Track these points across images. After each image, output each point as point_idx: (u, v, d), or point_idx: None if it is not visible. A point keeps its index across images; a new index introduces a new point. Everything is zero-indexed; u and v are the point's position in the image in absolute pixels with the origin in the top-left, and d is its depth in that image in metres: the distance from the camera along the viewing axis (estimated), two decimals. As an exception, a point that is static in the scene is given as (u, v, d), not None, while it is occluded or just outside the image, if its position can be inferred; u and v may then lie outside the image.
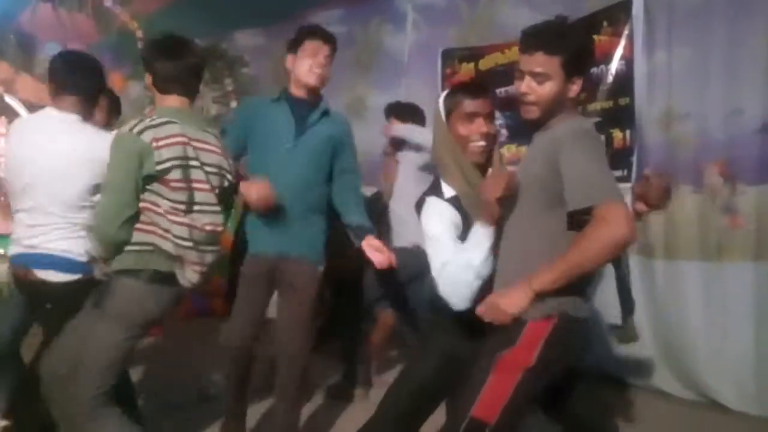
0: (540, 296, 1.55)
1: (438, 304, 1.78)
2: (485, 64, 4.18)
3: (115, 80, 5.31)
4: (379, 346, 3.57)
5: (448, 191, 1.81)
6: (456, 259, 1.69)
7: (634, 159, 3.52)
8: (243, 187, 2.30)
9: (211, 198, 1.98)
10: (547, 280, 1.53)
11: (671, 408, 3.34)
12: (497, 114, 4.12)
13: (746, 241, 3.21)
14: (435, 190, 1.84)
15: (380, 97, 5.02)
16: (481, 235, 1.68)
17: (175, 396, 3.19)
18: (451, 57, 4.41)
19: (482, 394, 1.56)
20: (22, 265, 2.10)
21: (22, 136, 2.15)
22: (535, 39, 1.63)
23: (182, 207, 1.90)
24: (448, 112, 1.83)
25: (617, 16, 3.58)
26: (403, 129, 3.37)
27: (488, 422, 1.55)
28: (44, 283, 2.08)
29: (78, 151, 2.09)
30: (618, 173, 3.60)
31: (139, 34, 4.96)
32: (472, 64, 4.25)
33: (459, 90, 1.85)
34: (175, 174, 1.88)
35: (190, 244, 1.91)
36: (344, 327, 3.53)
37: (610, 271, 3.14)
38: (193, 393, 3.22)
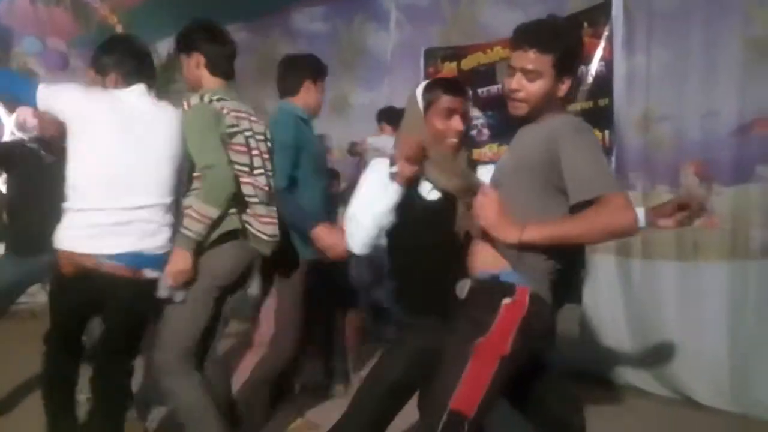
0: (525, 245, 1.54)
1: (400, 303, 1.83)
2: (468, 63, 4.20)
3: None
4: (354, 343, 3.58)
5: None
6: (364, 207, 1.84)
7: (613, 160, 3.57)
8: (321, 233, 2.40)
9: (266, 162, 2.24)
10: (540, 235, 1.53)
11: (646, 404, 3.38)
12: (479, 113, 4.17)
13: (721, 241, 3.27)
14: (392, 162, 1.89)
15: (363, 96, 5.02)
16: (392, 189, 1.81)
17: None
18: (433, 56, 4.42)
19: (461, 385, 1.54)
20: (133, 265, 2.02)
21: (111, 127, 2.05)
22: (529, 36, 1.63)
23: (246, 169, 2.13)
24: (427, 105, 1.85)
25: (597, 17, 3.61)
26: (382, 141, 3.38)
27: (467, 415, 1.54)
28: (135, 282, 2.03)
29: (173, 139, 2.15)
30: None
31: (119, 28, 4.89)
32: (454, 64, 4.26)
33: (439, 85, 1.87)
34: (239, 139, 2.13)
35: (256, 200, 2.14)
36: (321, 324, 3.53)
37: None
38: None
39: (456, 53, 4.29)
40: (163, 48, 5.14)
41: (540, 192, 1.61)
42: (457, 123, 1.83)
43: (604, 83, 3.60)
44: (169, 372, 2.07)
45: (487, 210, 1.60)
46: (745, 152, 3.22)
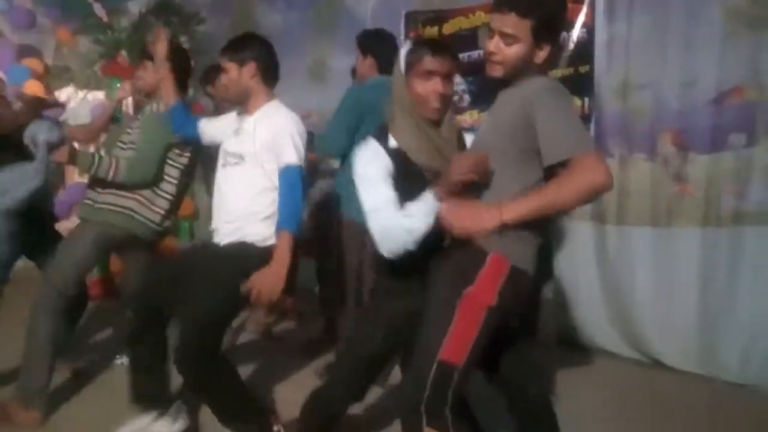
0: (505, 227, 1.53)
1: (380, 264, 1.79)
2: (449, 28, 4.14)
3: (63, 35, 5.05)
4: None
5: (392, 142, 1.80)
6: (399, 221, 1.67)
7: (592, 127, 3.58)
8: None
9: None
10: (518, 212, 1.52)
11: (617, 367, 3.48)
12: (460, 80, 4.14)
13: (695, 208, 3.32)
14: (380, 136, 1.82)
15: (342, 60, 4.91)
16: (431, 206, 1.65)
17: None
18: (414, 20, 4.35)
19: (449, 336, 1.55)
20: None
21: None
22: (509, 0, 1.61)
23: None
24: (408, 67, 1.80)
25: (580, -18, 3.58)
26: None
27: (457, 364, 1.55)
28: None
29: None
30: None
31: (88, -15, 4.70)
32: (435, 28, 4.20)
33: (422, 46, 1.82)
34: None
35: None
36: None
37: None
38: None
39: (437, 17, 4.23)
40: (134, 7, 4.97)
41: (518, 156, 1.61)
42: (436, 85, 1.76)
43: (585, 50, 3.59)
44: None
45: (455, 218, 1.56)
46: (720, 121, 3.25)
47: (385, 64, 3.00)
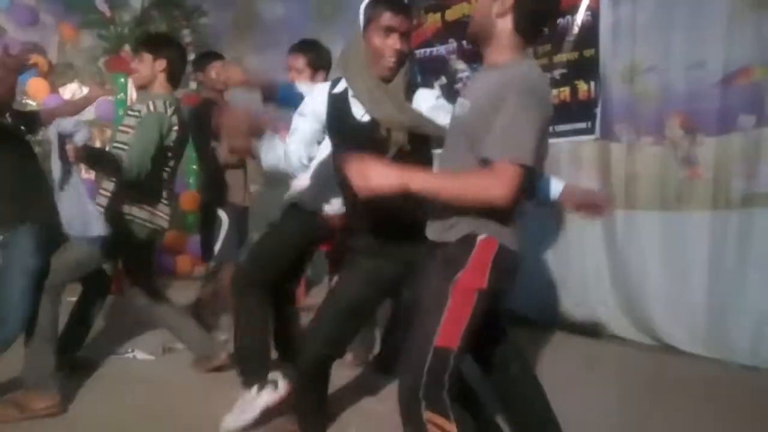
0: (406, 190, 1.51)
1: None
2: (452, 14, 4.11)
3: (66, 31, 5.05)
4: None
5: (339, 87, 1.90)
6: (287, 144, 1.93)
7: (598, 111, 3.55)
8: None
9: None
10: (417, 184, 1.51)
11: (627, 351, 3.48)
12: (464, 66, 4.11)
13: (704, 191, 3.30)
14: (333, 83, 1.95)
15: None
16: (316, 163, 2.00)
17: (144, 351, 3.22)
18: (416, 7, 4.31)
19: (443, 322, 1.57)
20: None
21: None
22: None
23: None
24: (367, 21, 1.82)
25: (584, -35, 3.55)
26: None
27: (452, 348, 1.57)
28: None
29: None
30: (582, 125, 3.65)
31: (90, -19, 4.70)
32: (438, 15, 4.18)
33: (382, 1, 1.83)
34: None
35: None
36: None
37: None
38: (159, 348, 3.23)
39: (440, 4, 4.21)
40: (136, 2, 4.96)
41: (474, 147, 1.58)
42: (395, 41, 1.79)
43: (590, 33, 3.56)
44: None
45: (356, 175, 1.53)
46: (728, 102, 3.22)
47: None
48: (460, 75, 4.15)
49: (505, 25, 1.60)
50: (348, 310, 1.95)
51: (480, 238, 1.59)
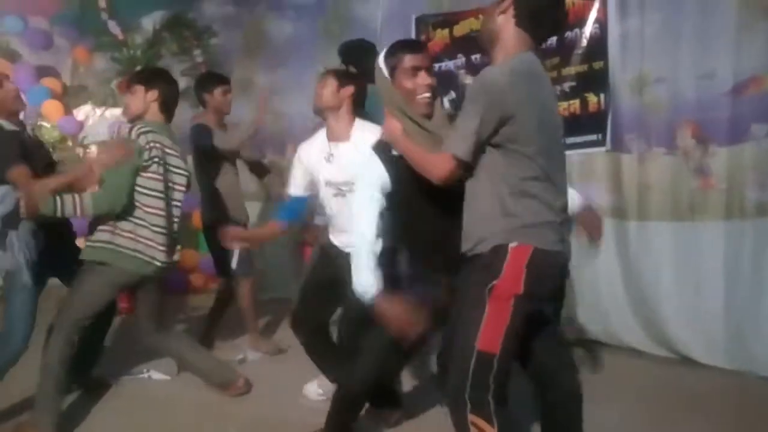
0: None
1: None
2: (460, 30, 4.14)
3: (79, 54, 5.13)
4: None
5: (394, 151, 1.91)
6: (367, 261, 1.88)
7: (609, 122, 3.55)
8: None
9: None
10: (399, 143, 1.83)
11: (643, 364, 3.44)
12: (471, 80, 4.12)
13: (717, 201, 3.28)
14: (378, 148, 1.94)
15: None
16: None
17: (159, 370, 3.22)
18: (425, 23, 4.35)
19: (483, 327, 1.63)
20: None
21: None
22: None
23: None
24: (392, 69, 1.89)
25: (591, -22, 3.57)
26: None
27: (494, 352, 1.63)
28: None
29: None
30: (593, 137, 3.65)
31: (103, 4, 4.77)
32: (446, 30, 4.20)
33: (399, 47, 1.92)
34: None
35: None
36: None
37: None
38: (174, 367, 3.22)
39: (447, 20, 4.23)
40: (148, 23, 5.04)
41: (490, 150, 1.68)
42: (424, 78, 1.87)
43: (598, 46, 3.57)
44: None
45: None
46: (739, 112, 3.22)
47: (371, 74, 3.01)
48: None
49: (507, 22, 1.70)
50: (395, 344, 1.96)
51: (511, 246, 1.64)
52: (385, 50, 1.94)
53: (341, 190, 2.40)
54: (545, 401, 1.92)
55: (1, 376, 2.52)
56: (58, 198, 2.40)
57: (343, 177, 2.37)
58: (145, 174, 2.54)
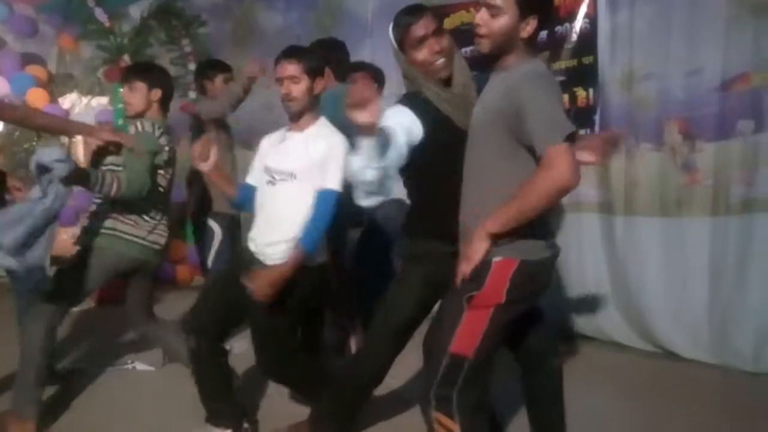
0: (497, 237, 1.60)
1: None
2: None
3: (65, 42, 5.07)
4: None
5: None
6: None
7: (597, 117, 3.56)
8: None
9: None
10: (498, 224, 1.59)
11: (628, 358, 3.46)
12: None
13: (704, 197, 3.30)
14: (409, 99, 1.88)
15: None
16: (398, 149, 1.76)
17: (144, 362, 3.21)
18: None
19: (458, 331, 1.63)
20: None
21: None
22: None
23: None
24: (400, 44, 1.87)
25: (581, -28, 3.57)
26: None
27: (467, 356, 1.62)
28: None
29: None
30: (581, 132, 3.64)
31: (90, -9, 4.71)
32: (437, 23, 4.19)
33: (400, 18, 1.88)
34: None
35: None
36: None
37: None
38: (159, 358, 3.20)
39: (438, 12, 4.17)
40: (135, 11, 4.98)
41: (512, 146, 1.63)
42: (432, 47, 1.83)
43: (588, 40, 3.57)
44: None
45: (466, 265, 1.65)
46: (727, 108, 3.22)
47: (342, 71, 3.01)
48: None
49: (524, 33, 1.67)
50: (400, 325, 2.00)
51: (495, 260, 1.63)
52: (391, 24, 1.91)
53: (274, 178, 2.24)
54: (530, 383, 1.98)
55: None
56: (100, 174, 2.38)
57: (282, 165, 2.23)
58: (159, 171, 2.60)
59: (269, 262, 2.20)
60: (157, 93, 2.63)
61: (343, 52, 3.34)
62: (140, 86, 2.61)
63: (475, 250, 1.62)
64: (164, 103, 2.68)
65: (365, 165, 1.67)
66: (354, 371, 2.17)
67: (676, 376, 3.18)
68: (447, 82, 1.87)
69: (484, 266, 1.63)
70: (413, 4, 1.95)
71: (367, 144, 1.65)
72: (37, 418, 2.43)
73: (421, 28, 1.83)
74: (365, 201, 1.76)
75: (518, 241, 1.62)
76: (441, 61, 1.83)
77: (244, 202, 2.40)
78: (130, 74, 2.71)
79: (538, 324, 1.96)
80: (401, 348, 2.05)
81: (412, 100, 1.88)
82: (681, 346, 3.38)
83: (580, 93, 3.61)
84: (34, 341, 2.43)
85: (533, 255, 1.66)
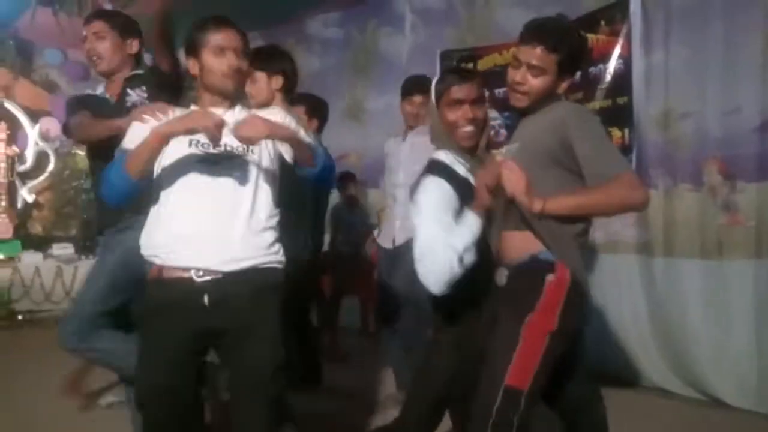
0: (543, 215, 1.61)
1: (438, 300, 1.77)
2: (483, 64, 4.19)
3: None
4: None
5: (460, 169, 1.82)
6: (444, 238, 1.66)
7: (633, 158, 3.53)
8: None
9: None
10: (559, 206, 1.60)
11: (672, 405, 3.34)
12: (496, 114, 4.15)
13: (746, 239, 3.21)
14: (436, 168, 1.81)
15: (378, 101, 5.03)
16: (471, 220, 1.68)
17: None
18: (449, 58, 4.42)
19: (514, 362, 1.60)
20: None
21: None
22: (538, 34, 1.72)
23: None
24: (438, 98, 1.88)
25: (614, 15, 3.61)
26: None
27: (522, 388, 1.59)
28: None
29: None
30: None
31: (139, 37, 4.95)
32: (470, 65, 4.26)
33: (447, 76, 1.91)
34: None
35: None
36: None
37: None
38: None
39: (471, 55, 4.30)
40: (181, 56, 5.20)
41: (548, 173, 1.67)
42: (466, 112, 1.82)
43: (622, 81, 3.58)
44: None
45: (514, 180, 1.62)
46: (767, 148, 3.16)
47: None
48: (492, 123, 4.19)
49: (560, 90, 1.78)
50: (440, 392, 1.89)
51: (548, 279, 1.63)
52: (436, 78, 1.93)
53: (210, 154, 1.74)
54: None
55: None
56: None
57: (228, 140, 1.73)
58: None
59: None
60: (278, 80, 2.41)
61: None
62: (259, 75, 2.39)
63: (530, 199, 1.59)
64: (288, 92, 2.48)
65: (467, 248, 1.64)
66: None
67: (722, 425, 3.05)
68: (470, 150, 1.86)
69: (535, 285, 1.62)
70: (464, 68, 1.99)
71: (473, 221, 1.66)
72: None
73: (463, 91, 1.82)
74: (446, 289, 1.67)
75: (568, 248, 1.63)
76: (470, 129, 1.82)
77: None
78: (249, 65, 2.32)
79: (579, 369, 1.90)
80: (443, 411, 1.96)
81: (442, 169, 1.82)
82: (727, 394, 3.24)
83: (615, 133, 3.59)
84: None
85: (579, 272, 1.65)
